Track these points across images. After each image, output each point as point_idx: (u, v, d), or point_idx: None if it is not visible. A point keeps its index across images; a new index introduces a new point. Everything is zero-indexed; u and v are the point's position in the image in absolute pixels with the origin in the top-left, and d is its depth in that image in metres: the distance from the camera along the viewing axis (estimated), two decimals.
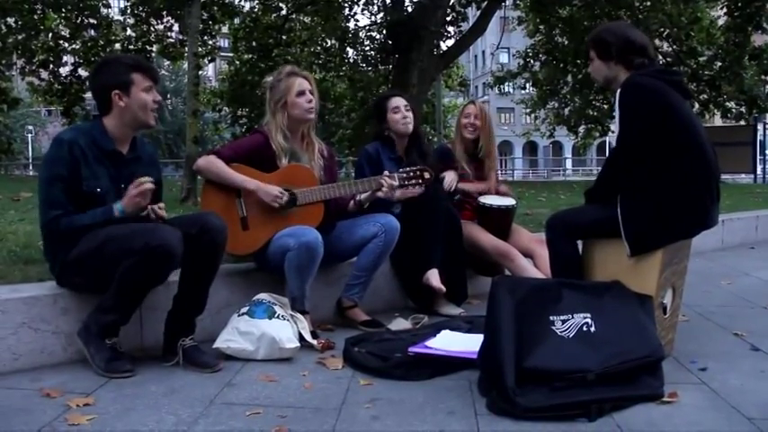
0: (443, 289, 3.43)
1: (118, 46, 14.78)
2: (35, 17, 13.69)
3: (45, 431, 2.03)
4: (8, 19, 13.64)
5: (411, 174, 3.25)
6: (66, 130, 2.76)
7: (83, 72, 14.87)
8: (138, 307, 2.64)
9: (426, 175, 3.27)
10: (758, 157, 18.10)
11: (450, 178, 3.86)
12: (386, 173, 3.26)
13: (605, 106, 18.28)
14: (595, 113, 19.73)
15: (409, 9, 14.66)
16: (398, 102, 3.77)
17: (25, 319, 2.58)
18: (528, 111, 22.68)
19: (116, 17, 15.77)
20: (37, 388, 2.37)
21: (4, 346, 2.53)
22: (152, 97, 2.70)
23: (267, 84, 3.30)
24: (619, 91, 2.70)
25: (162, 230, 2.50)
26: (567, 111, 20.51)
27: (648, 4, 14.90)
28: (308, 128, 3.30)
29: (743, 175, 18.33)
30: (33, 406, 2.21)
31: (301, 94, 3.21)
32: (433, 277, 3.43)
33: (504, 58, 31.91)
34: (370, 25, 16.74)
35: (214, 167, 3.10)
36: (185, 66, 16.97)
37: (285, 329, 2.77)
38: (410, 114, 3.75)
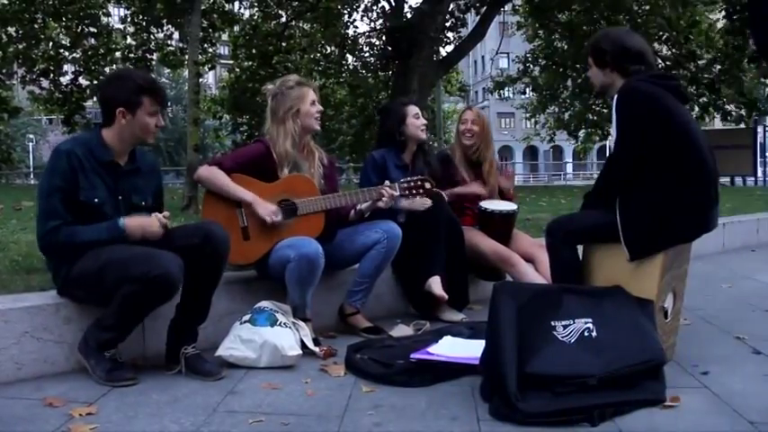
0: (445, 296, 3.44)
1: (118, 54, 14.84)
2: (35, 26, 13.77)
3: None
4: (9, 28, 13.71)
5: (412, 184, 3.26)
6: (64, 141, 2.76)
7: (83, 81, 14.94)
8: (136, 326, 2.65)
9: (427, 185, 3.27)
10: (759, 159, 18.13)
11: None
12: (387, 183, 3.27)
13: (605, 110, 18.30)
14: (595, 117, 19.76)
15: (408, 15, 14.71)
16: (418, 109, 3.85)
17: (28, 328, 2.58)
18: (528, 115, 22.72)
19: (116, 26, 15.85)
20: (40, 397, 2.37)
21: (6, 356, 2.54)
22: (155, 121, 2.71)
23: (270, 91, 3.28)
24: (615, 97, 2.71)
25: (162, 257, 2.47)
26: (567, 115, 20.54)
27: (647, 8, 14.94)
28: (309, 137, 3.33)
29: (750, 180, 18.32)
30: (36, 416, 2.22)
31: (314, 104, 3.25)
32: (435, 284, 3.43)
33: (503, 63, 31.91)
34: (369, 32, 16.79)
35: (214, 178, 3.11)
36: (185, 74, 17.01)
37: (287, 337, 2.78)
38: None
